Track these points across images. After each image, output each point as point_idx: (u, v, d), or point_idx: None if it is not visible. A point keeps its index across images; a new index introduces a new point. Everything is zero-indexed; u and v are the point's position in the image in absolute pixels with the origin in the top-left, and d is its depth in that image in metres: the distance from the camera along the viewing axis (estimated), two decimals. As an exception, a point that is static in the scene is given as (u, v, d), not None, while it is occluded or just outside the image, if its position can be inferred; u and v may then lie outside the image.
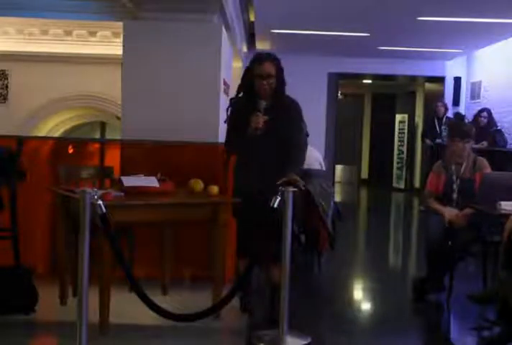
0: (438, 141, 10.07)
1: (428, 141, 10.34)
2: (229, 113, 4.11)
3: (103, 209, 3.19)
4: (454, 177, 4.80)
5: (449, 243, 4.56)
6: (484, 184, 4.59)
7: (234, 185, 4.18)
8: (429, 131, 10.38)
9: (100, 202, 3.21)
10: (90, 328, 3.23)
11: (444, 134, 10.09)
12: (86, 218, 3.16)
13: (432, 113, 10.45)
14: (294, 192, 3.69)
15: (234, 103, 4.12)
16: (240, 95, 4.11)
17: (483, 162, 4.85)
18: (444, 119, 10.21)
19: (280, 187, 3.68)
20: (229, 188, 4.85)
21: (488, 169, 4.83)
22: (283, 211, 3.65)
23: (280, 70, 3.96)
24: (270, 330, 3.73)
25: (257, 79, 3.91)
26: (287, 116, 4.02)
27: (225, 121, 4.14)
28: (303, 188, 3.96)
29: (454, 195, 4.79)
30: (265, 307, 4.17)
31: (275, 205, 3.60)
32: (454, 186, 4.79)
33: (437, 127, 10.19)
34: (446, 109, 10.39)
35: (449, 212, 4.68)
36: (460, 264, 4.90)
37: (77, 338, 3.13)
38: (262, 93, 3.96)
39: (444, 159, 4.99)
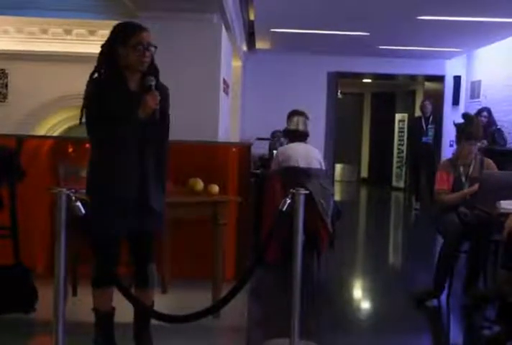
0: (424, 139, 10.10)
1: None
2: (88, 96, 3.25)
3: (83, 210, 3.04)
4: (463, 178, 4.81)
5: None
6: (484, 183, 4.59)
7: (100, 189, 3.23)
8: (416, 130, 10.41)
9: (78, 203, 3.03)
10: (90, 328, 3.23)
11: (431, 133, 10.12)
12: (62, 219, 3.03)
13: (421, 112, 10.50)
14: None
15: (97, 83, 3.27)
16: (98, 74, 3.31)
17: (490, 163, 4.89)
18: (431, 118, 10.25)
19: None
20: (227, 187, 4.86)
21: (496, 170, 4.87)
22: (293, 215, 3.41)
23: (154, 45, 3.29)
24: (281, 339, 3.60)
25: (134, 49, 3.22)
26: (166, 102, 3.33)
27: (84, 107, 3.25)
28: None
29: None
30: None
31: (284, 209, 3.38)
32: (465, 187, 4.78)
33: (424, 126, 10.21)
34: (433, 108, 10.42)
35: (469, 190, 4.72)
36: (460, 264, 4.90)
37: (53, 337, 3.09)
38: (139, 67, 3.25)
39: (451, 158, 4.99)
